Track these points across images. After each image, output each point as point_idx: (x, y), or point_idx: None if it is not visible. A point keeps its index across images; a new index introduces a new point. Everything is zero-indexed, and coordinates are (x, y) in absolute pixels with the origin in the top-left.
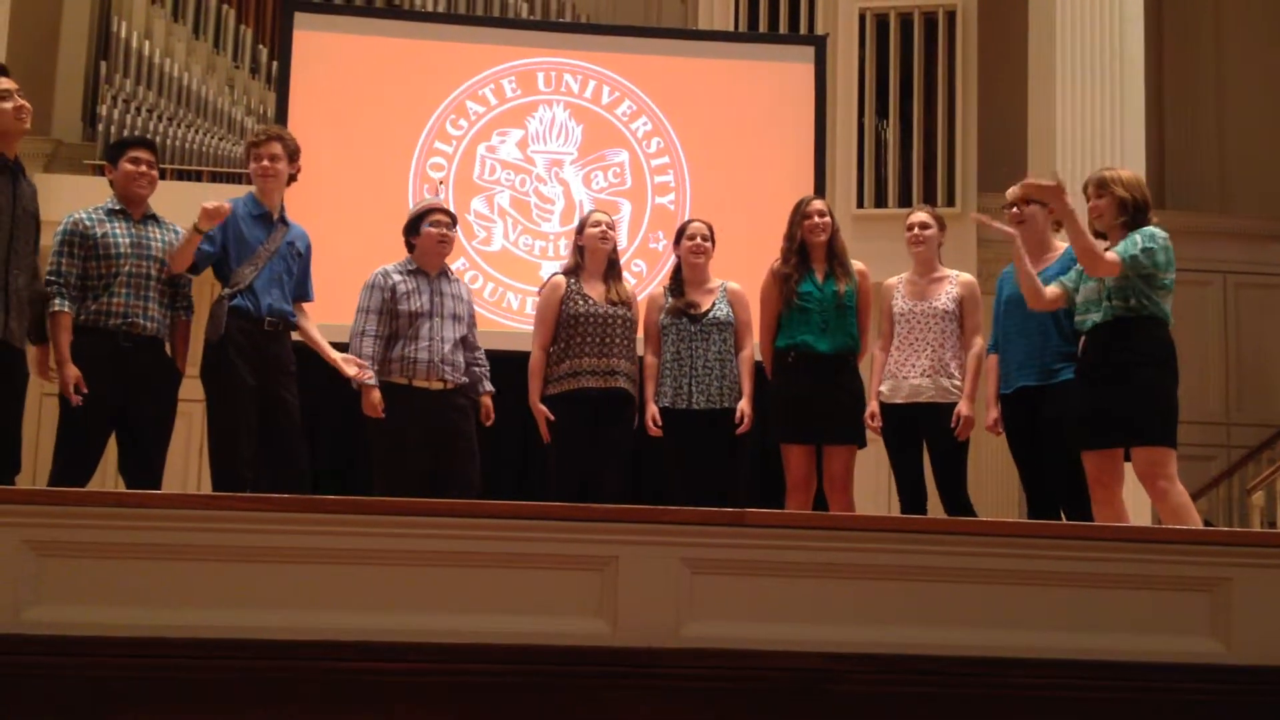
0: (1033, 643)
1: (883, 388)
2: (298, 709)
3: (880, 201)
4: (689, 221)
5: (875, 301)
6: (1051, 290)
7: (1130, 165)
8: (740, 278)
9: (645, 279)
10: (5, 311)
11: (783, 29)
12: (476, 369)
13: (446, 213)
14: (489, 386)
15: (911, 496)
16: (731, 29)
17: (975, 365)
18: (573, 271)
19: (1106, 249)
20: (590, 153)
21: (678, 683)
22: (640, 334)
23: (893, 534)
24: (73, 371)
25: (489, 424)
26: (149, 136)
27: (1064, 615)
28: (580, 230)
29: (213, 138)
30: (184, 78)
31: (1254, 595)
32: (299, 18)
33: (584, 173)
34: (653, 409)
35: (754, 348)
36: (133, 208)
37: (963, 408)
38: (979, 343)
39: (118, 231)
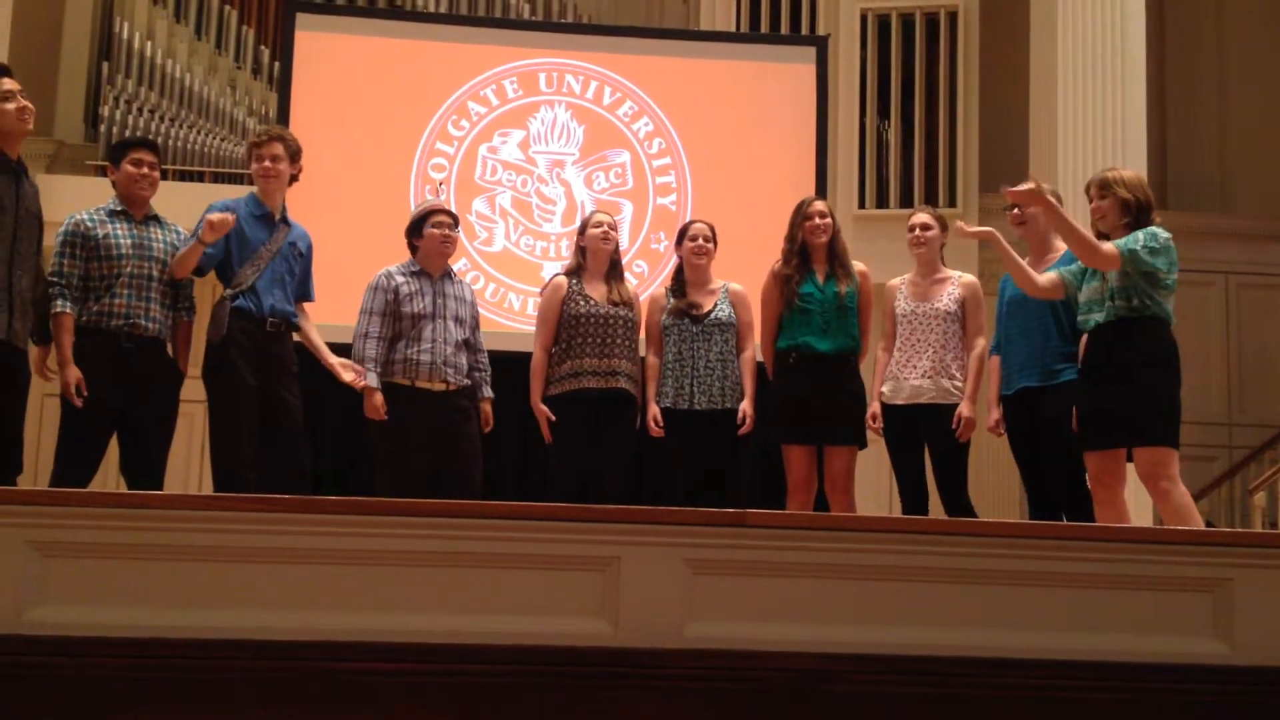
0: (1034, 643)
1: (884, 389)
2: (298, 709)
3: (881, 202)
4: (691, 222)
5: (878, 302)
6: (1048, 277)
7: (1131, 165)
8: (741, 278)
9: (647, 279)
10: (9, 312)
11: (784, 29)
12: (477, 373)
13: (449, 214)
14: (488, 392)
15: (912, 497)
16: (733, 29)
17: (977, 366)
18: (574, 272)
19: None
20: (592, 153)
21: (679, 683)
22: (642, 334)
23: (893, 535)
24: (74, 373)
25: (487, 430)
26: (151, 137)
27: (1065, 616)
28: (582, 231)
29: (214, 138)
30: (186, 79)
31: (1255, 596)
32: (301, 18)
33: (585, 173)
34: (654, 409)
35: (755, 348)
36: (134, 209)
37: (964, 409)
38: (981, 343)
39: (119, 232)
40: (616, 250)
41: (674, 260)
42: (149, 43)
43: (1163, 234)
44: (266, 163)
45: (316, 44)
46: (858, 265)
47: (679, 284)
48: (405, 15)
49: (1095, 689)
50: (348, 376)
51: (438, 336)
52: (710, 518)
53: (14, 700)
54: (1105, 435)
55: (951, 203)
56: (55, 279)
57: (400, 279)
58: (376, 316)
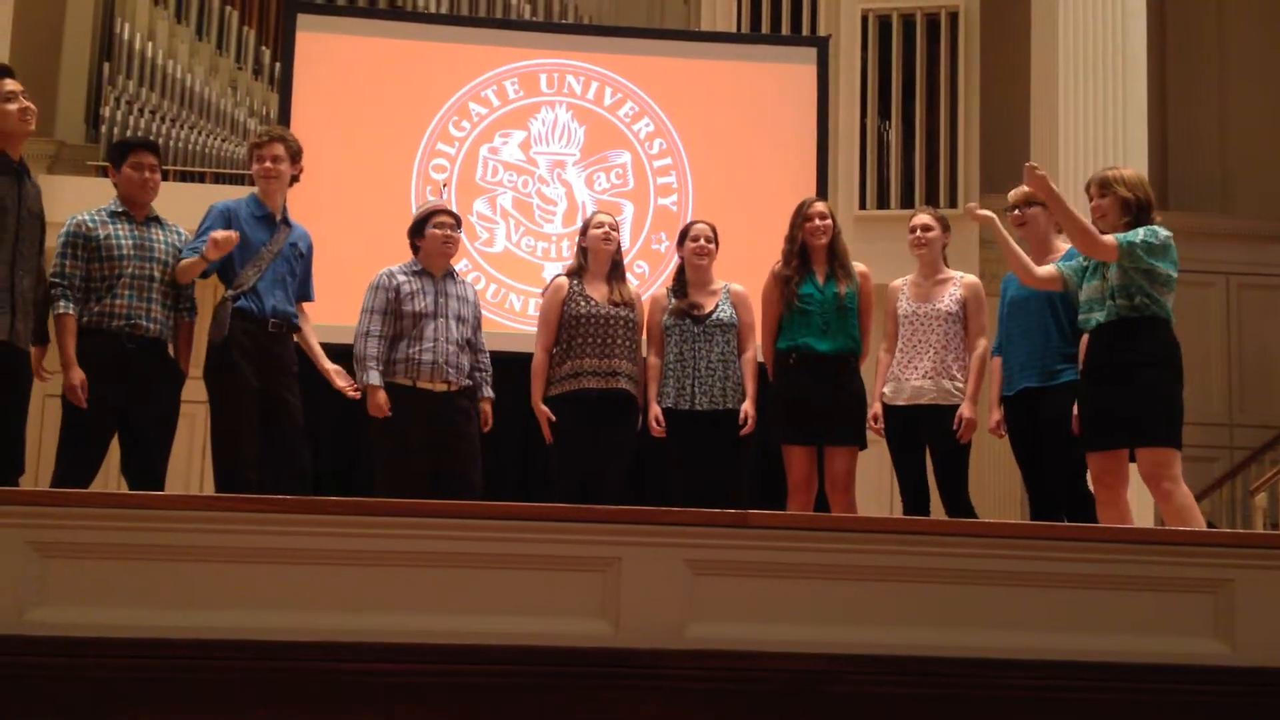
0: (1034, 644)
1: (885, 389)
2: (299, 710)
3: (882, 203)
4: (693, 223)
5: (880, 303)
6: (1046, 269)
7: (1132, 165)
8: (742, 279)
9: (648, 280)
10: (11, 313)
11: (785, 30)
12: (478, 373)
13: (451, 214)
14: (489, 393)
15: (914, 498)
16: (734, 30)
17: (978, 367)
18: (576, 273)
19: None
20: (592, 154)
21: (680, 684)
22: (644, 335)
23: (894, 535)
24: (79, 374)
25: (487, 430)
26: (151, 138)
27: (1066, 616)
28: (583, 232)
29: (215, 139)
30: (187, 79)
31: (1257, 596)
32: (301, 19)
33: (586, 174)
34: (656, 409)
35: (756, 349)
36: (136, 210)
37: (965, 410)
38: (982, 344)
39: (121, 233)
40: (618, 251)
41: (675, 260)
42: (150, 43)
43: (1163, 232)
44: (267, 163)
45: (317, 45)
46: (858, 266)
47: (680, 284)
48: (406, 16)
49: (1096, 690)
50: (340, 383)
51: (439, 336)
52: (711, 518)
53: (15, 701)
54: (1107, 436)
55: (952, 203)
56: (57, 280)
57: (402, 278)
58: (378, 315)
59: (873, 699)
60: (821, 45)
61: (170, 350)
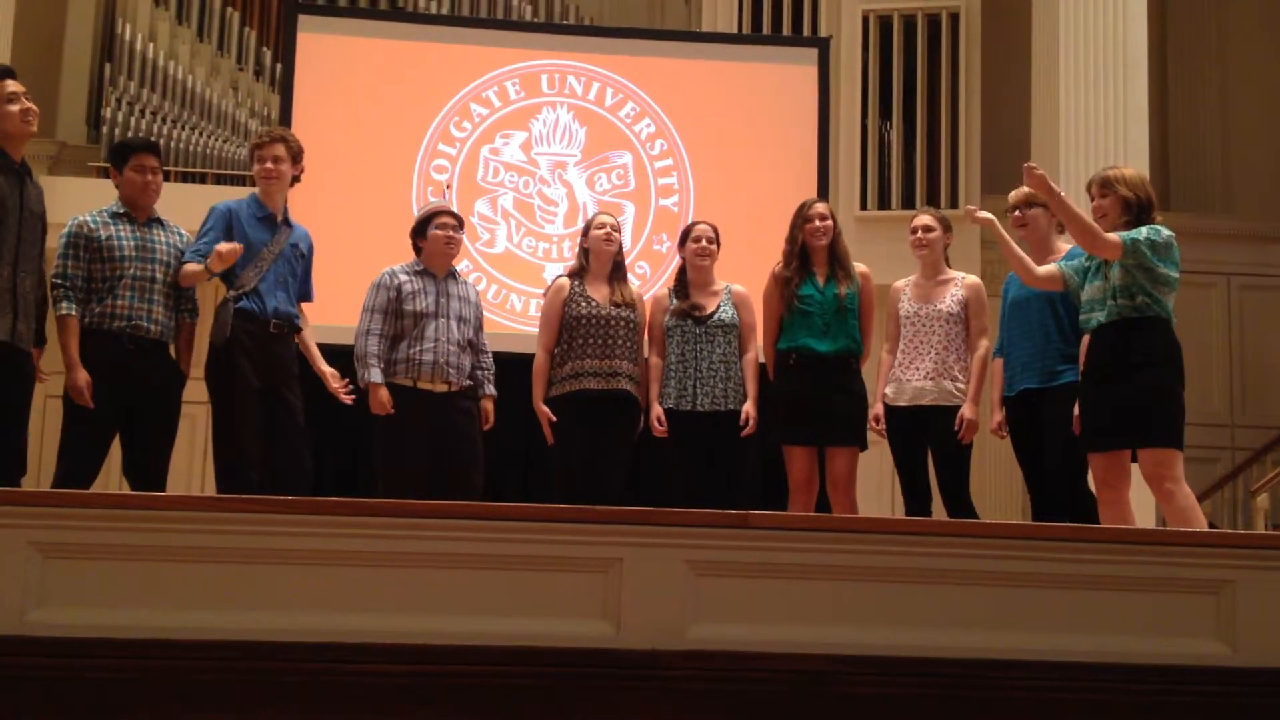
0: (1036, 645)
1: (887, 390)
2: (300, 710)
3: (884, 203)
4: (695, 223)
5: (882, 304)
6: (1047, 269)
7: (1134, 166)
8: (743, 279)
9: (649, 281)
10: (13, 314)
11: (786, 31)
12: (480, 372)
13: (453, 215)
14: (491, 390)
15: (915, 499)
16: (735, 31)
17: (980, 367)
18: (577, 274)
19: None
20: (594, 155)
21: (681, 684)
22: (645, 336)
23: (895, 536)
24: (84, 375)
25: (488, 428)
26: (153, 139)
27: (1067, 617)
28: (585, 232)
29: (217, 140)
30: (188, 80)
31: (1258, 597)
32: (303, 20)
33: (587, 175)
34: (657, 409)
35: (758, 350)
36: (137, 212)
37: (966, 410)
38: (984, 345)
39: (122, 234)
40: (620, 252)
41: (676, 261)
42: (151, 44)
43: (1165, 231)
44: (268, 164)
45: (318, 45)
46: (859, 267)
47: (682, 285)
48: (407, 17)
49: (1097, 690)
50: (334, 385)
51: (440, 335)
52: (712, 519)
53: (15, 701)
54: (1109, 436)
55: (953, 204)
56: (59, 281)
57: (403, 277)
58: (379, 314)
59: (874, 699)
60: (822, 46)
61: (171, 351)
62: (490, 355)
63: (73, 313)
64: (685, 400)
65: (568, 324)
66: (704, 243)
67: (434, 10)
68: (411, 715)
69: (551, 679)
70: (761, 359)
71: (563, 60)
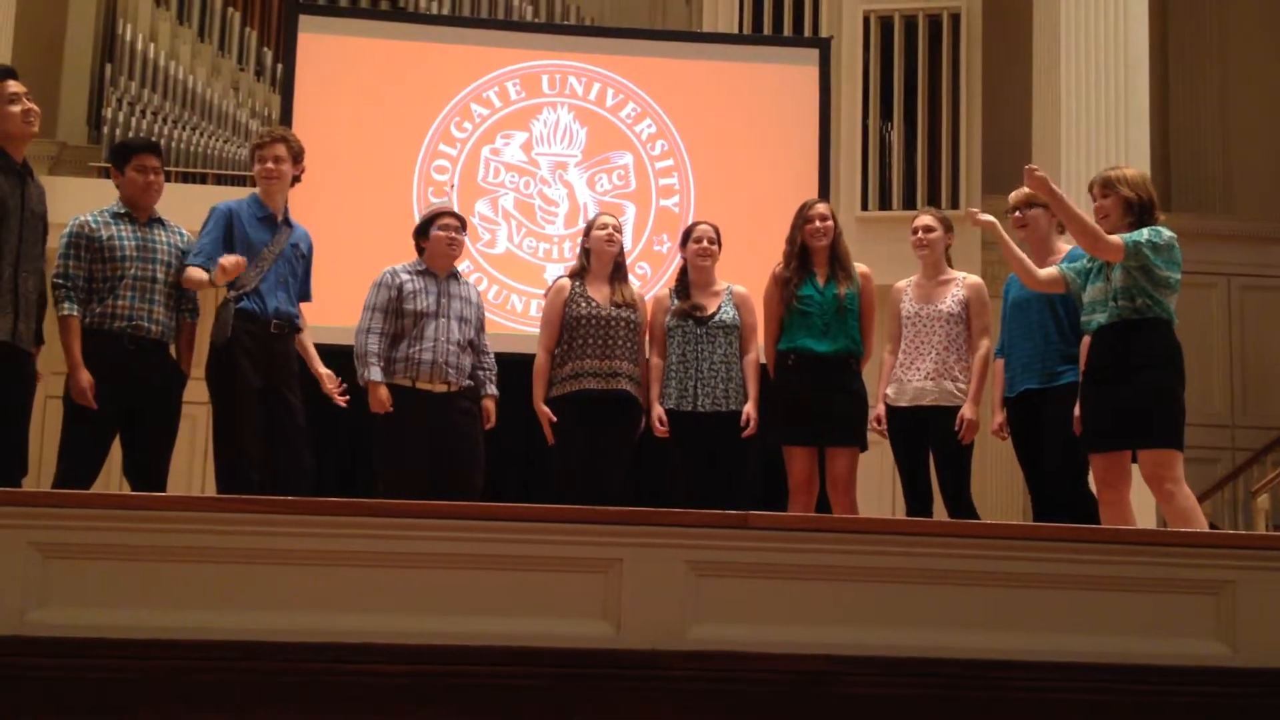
0: (1037, 645)
1: (888, 390)
2: (300, 711)
3: (884, 204)
4: (696, 224)
5: (884, 305)
6: (1048, 271)
7: (1135, 167)
8: (744, 280)
9: (650, 281)
10: (14, 314)
11: (787, 31)
12: (481, 372)
13: (456, 217)
14: (493, 390)
15: (916, 499)
16: (735, 31)
17: (981, 367)
18: (578, 274)
19: None
20: (594, 155)
21: (682, 685)
22: (646, 336)
23: (896, 536)
24: (87, 376)
25: (489, 427)
26: (153, 139)
27: (1068, 618)
28: (587, 233)
29: (217, 140)
30: (189, 80)
31: (1259, 598)
32: (303, 20)
33: (588, 175)
34: (659, 410)
35: (759, 350)
36: (139, 212)
37: (966, 411)
38: (985, 344)
39: (123, 234)
40: (621, 252)
41: (677, 261)
42: (152, 44)
43: (1166, 232)
44: (269, 164)
45: (319, 46)
46: (860, 267)
47: (683, 285)
48: (408, 17)
49: (1098, 691)
50: (329, 386)
51: (440, 335)
52: (712, 519)
53: (16, 701)
54: (1109, 437)
55: (954, 204)
56: (60, 281)
57: (405, 277)
58: (379, 313)
59: (874, 700)
60: (823, 46)
61: (172, 351)
62: (492, 356)
63: (74, 313)
64: (686, 401)
65: (568, 324)
66: (705, 243)
67: (435, 10)
68: (412, 715)
69: (552, 679)
70: (762, 359)
71: (563, 61)
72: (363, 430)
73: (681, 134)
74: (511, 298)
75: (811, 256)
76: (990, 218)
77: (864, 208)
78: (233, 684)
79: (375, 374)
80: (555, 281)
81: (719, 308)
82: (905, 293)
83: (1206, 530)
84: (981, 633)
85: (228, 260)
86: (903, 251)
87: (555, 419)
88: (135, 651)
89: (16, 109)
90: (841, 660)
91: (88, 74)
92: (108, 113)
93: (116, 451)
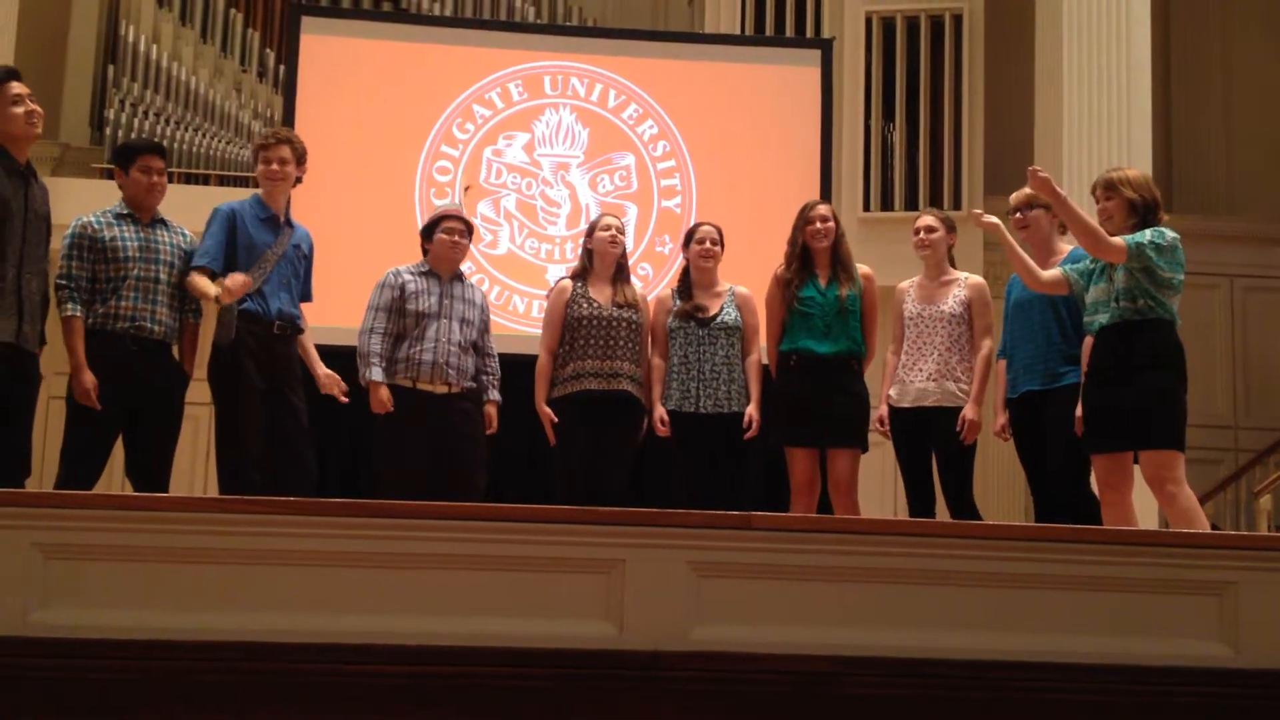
0: (1039, 646)
1: (891, 391)
2: (301, 711)
3: (887, 205)
4: (699, 224)
5: (887, 306)
6: (1052, 273)
7: (1137, 168)
8: (746, 281)
9: (651, 282)
10: (19, 315)
11: (789, 32)
12: (484, 377)
13: (462, 219)
14: (495, 396)
15: (919, 500)
16: (738, 32)
17: (982, 368)
18: (580, 275)
19: None
20: (596, 156)
21: (684, 685)
22: (648, 337)
23: (898, 537)
24: (90, 377)
25: (490, 432)
26: (156, 140)
27: (1070, 619)
28: (589, 234)
29: (220, 141)
30: (191, 81)
31: (1261, 599)
32: (306, 22)
33: (590, 176)
34: (661, 410)
35: (761, 352)
36: (141, 213)
37: (968, 411)
38: (987, 345)
39: (126, 235)
40: (624, 253)
41: (679, 262)
42: (154, 46)
43: (1169, 233)
44: (274, 165)
45: (321, 47)
46: (862, 268)
47: (685, 286)
48: (410, 18)
49: (1100, 692)
50: (330, 389)
51: (441, 336)
52: (715, 520)
53: (17, 702)
54: (1111, 438)
55: (956, 205)
56: (63, 282)
57: (408, 277)
58: (382, 313)
59: (877, 701)
60: (825, 47)
61: (174, 352)
62: (496, 360)
63: (78, 314)
64: (688, 402)
65: (570, 325)
66: (708, 244)
67: (437, 12)
68: (413, 716)
69: (553, 680)
70: (764, 360)
71: (565, 61)
72: (365, 431)
73: (683, 135)
74: (513, 299)
75: (813, 258)
76: (994, 219)
77: (866, 209)
78: (234, 685)
79: (376, 374)
80: (557, 282)
81: (721, 309)
82: (907, 293)
83: (1208, 531)
84: (983, 633)
85: (234, 281)
86: (905, 252)
87: (557, 419)
88: (137, 652)
89: (19, 110)
90: (844, 661)
91: (90, 75)
92: (110, 114)
93: (119, 452)
